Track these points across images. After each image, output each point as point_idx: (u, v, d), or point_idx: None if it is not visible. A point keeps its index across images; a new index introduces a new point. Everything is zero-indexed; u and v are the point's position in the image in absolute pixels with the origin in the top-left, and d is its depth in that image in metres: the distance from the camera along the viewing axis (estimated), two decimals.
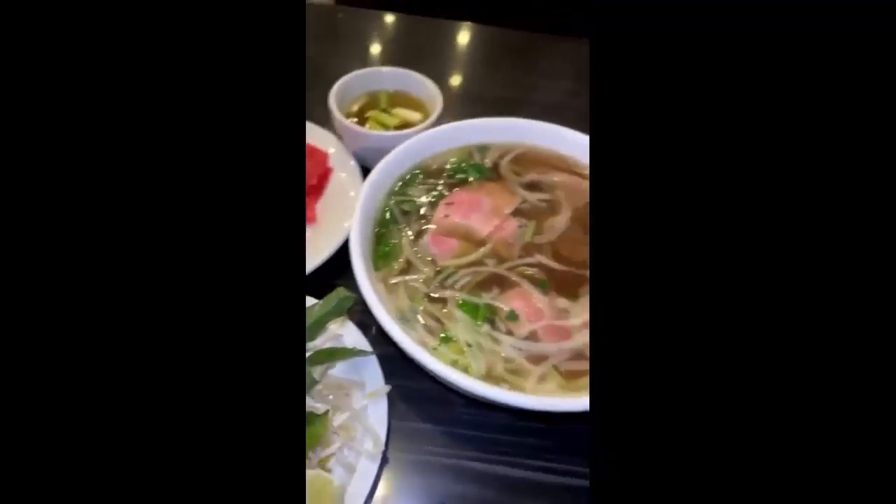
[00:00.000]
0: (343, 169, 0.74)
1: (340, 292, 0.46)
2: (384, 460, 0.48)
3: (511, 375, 0.45)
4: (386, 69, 0.79)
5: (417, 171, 0.61)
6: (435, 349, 0.45)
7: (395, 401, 0.51)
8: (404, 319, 0.47)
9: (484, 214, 0.56)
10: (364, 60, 1.00)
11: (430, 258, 0.53)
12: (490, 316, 0.48)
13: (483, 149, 0.64)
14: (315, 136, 0.77)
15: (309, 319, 0.45)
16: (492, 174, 0.61)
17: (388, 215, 0.56)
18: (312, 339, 0.48)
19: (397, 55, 1.04)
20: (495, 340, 0.47)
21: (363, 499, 0.45)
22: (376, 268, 0.51)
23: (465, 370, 0.44)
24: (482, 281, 0.50)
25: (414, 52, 1.04)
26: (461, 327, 0.47)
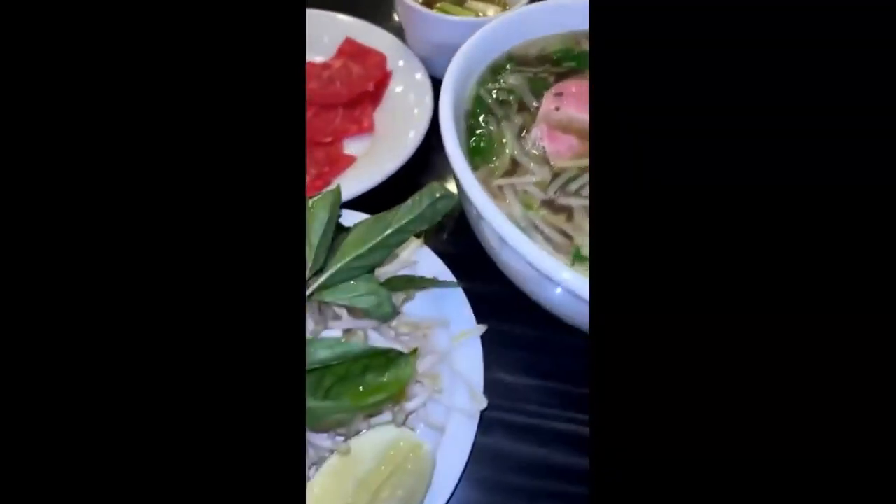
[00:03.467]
0: (405, 76, 0.60)
1: (435, 188, 0.33)
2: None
3: None
4: None
5: (510, 59, 0.47)
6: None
7: (486, 348, 0.39)
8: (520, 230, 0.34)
9: None
10: None
11: (541, 157, 0.39)
12: None
13: None
14: (371, 36, 0.63)
15: (390, 224, 0.32)
16: None
17: (479, 107, 0.42)
18: (383, 257, 0.35)
19: None
20: None
21: (458, 469, 0.33)
22: (473, 166, 0.38)
23: None
24: None
25: None
26: None
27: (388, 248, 0.33)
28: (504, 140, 0.40)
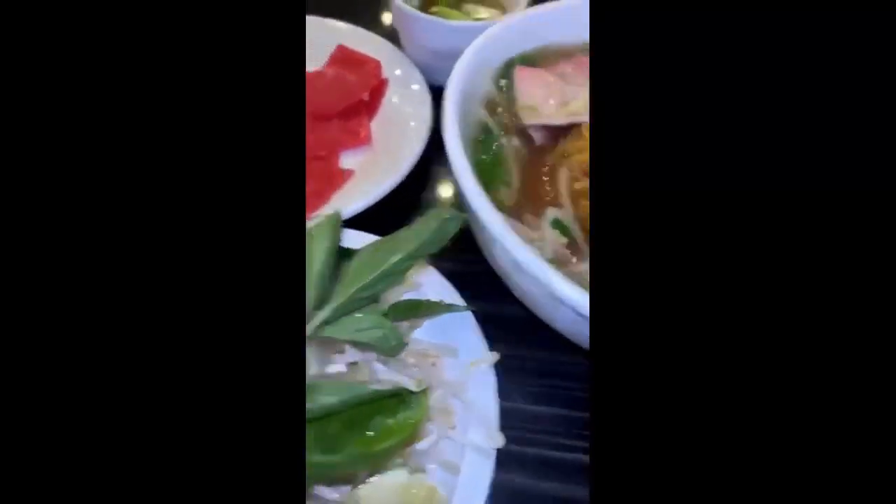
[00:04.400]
0: (402, 83, 0.57)
1: (442, 210, 0.30)
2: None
3: None
4: None
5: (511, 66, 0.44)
6: None
7: (500, 376, 0.36)
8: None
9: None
10: None
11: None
12: None
13: None
14: (364, 42, 0.60)
15: (397, 249, 0.29)
16: None
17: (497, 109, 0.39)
18: (390, 285, 0.33)
19: None
20: None
21: None
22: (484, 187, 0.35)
23: None
24: None
25: None
26: None
27: (396, 276, 0.30)
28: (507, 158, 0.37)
